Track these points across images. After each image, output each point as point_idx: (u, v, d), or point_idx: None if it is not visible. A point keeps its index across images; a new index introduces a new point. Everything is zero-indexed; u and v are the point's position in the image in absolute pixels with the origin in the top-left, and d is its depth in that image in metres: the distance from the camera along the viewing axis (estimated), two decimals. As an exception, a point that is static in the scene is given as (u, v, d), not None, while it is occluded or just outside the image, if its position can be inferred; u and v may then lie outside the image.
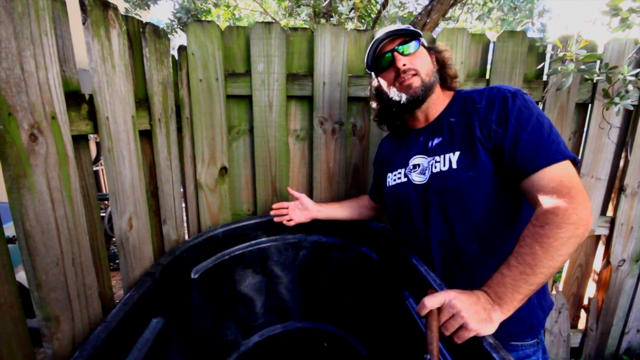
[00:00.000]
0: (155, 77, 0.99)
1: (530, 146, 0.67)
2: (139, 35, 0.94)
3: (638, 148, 1.42)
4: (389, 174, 0.97)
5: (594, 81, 1.28)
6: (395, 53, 0.82)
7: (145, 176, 0.96)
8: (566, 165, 0.65)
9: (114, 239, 3.24)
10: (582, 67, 1.10)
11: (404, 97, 0.84)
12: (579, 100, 1.36)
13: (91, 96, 0.73)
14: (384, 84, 0.89)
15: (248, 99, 1.31)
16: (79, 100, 0.69)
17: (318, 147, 1.35)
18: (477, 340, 0.57)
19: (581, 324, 1.75)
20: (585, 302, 1.72)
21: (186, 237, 1.35)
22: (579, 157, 1.43)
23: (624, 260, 1.58)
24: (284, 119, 1.31)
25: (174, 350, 0.94)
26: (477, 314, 0.57)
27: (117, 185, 0.81)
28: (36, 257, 0.57)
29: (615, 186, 1.52)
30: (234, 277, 1.29)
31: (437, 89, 0.88)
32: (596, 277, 1.66)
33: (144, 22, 0.96)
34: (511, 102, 0.71)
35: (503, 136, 0.70)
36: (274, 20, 3.00)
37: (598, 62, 1.27)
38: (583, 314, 1.74)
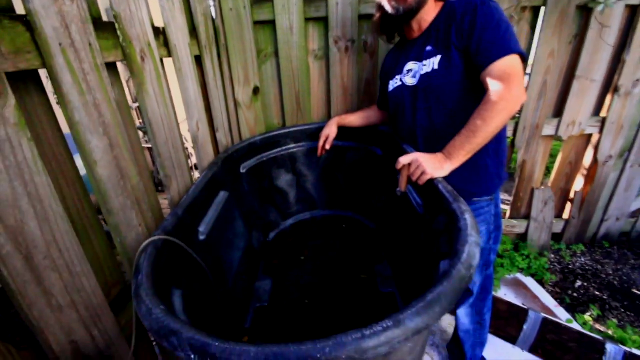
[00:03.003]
0: (199, 9, 1.23)
1: (488, 45, 0.87)
2: (182, -27, 1.16)
3: (637, 48, 1.49)
4: (390, 82, 1.20)
5: (597, -19, 1.33)
6: None
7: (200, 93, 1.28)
8: (512, 59, 0.86)
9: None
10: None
11: (401, 9, 1.00)
12: (580, 3, 1.42)
13: (164, 29, 1.00)
14: None
15: (272, 23, 1.51)
16: (157, 32, 0.98)
17: (334, 65, 1.57)
18: (432, 180, 0.88)
19: (566, 215, 2.03)
20: (572, 196, 1.97)
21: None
22: (579, 61, 1.54)
23: (611, 157, 1.77)
24: (303, 40, 1.52)
25: (236, 215, 1.37)
26: (433, 164, 0.88)
27: (186, 97, 1.13)
28: (156, 138, 0.93)
29: (610, 88, 1.63)
30: (272, 175, 1.67)
31: (430, 1, 1.04)
32: (585, 172, 1.87)
33: (183, -40, 1.16)
34: (479, 9, 0.89)
35: (470, 38, 0.90)
36: None
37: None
38: (569, 206, 2.00)
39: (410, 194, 1.04)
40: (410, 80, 1.09)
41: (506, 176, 1.11)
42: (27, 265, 0.53)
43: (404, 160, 0.91)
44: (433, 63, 1.00)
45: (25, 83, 0.59)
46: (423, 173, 0.88)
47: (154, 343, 0.99)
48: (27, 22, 0.56)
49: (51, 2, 0.59)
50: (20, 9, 0.57)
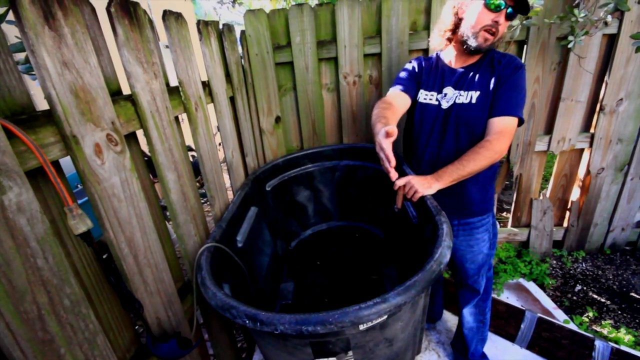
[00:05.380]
0: (232, 59, 1.52)
1: (504, 102, 1.08)
2: (220, 33, 1.45)
3: (616, 71, 1.66)
4: (422, 91, 1.24)
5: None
6: (504, 10, 1.02)
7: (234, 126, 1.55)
8: (510, 119, 1.07)
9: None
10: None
11: (473, 44, 1.08)
12: (560, 35, 1.61)
13: (208, 81, 1.29)
14: (474, 14, 1.05)
15: (290, 64, 1.79)
16: (204, 85, 1.26)
17: (344, 96, 1.82)
18: (422, 197, 1.10)
19: (565, 223, 2.16)
20: (570, 206, 2.11)
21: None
22: (563, 84, 1.73)
23: (603, 169, 1.91)
24: (317, 77, 1.79)
25: (263, 226, 1.62)
26: (423, 185, 1.10)
27: (224, 132, 1.41)
28: (204, 168, 1.20)
29: (596, 107, 1.79)
30: (292, 191, 1.93)
31: None
32: (580, 184, 2.02)
33: (220, 23, 1.46)
34: (518, 71, 1.09)
35: (500, 86, 1.10)
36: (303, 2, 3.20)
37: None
38: (568, 215, 2.14)
39: (408, 208, 1.26)
40: (445, 104, 1.19)
41: (493, 203, 1.31)
42: (135, 262, 0.79)
43: (399, 182, 1.13)
44: (471, 97, 1.13)
45: (129, 139, 0.87)
46: (415, 192, 1.10)
47: (203, 326, 1.24)
48: (132, 100, 0.84)
49: (145, 84, 0.87)
50: (125, 89, 0.85)
